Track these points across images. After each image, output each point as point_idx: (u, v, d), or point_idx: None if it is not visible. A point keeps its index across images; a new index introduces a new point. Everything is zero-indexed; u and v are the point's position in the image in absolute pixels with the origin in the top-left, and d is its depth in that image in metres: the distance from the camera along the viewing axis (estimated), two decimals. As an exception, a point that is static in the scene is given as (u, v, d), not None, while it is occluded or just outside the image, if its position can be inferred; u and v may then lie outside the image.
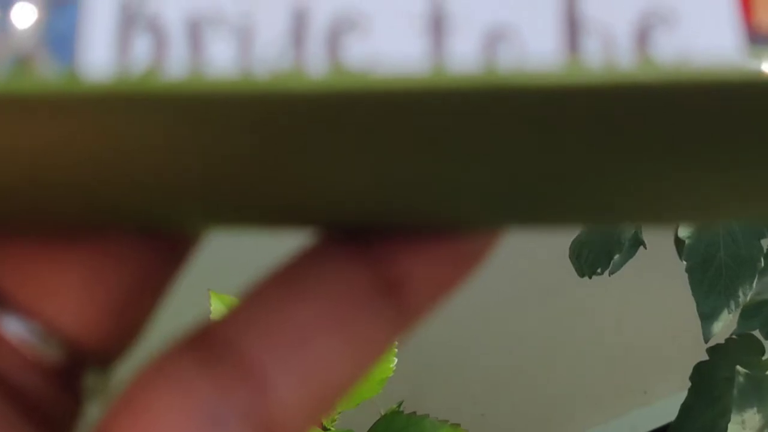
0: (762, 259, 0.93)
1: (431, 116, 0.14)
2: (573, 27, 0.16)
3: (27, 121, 0.15)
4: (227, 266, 0.87)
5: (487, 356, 1.56)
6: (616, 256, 1.07)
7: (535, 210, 0.20)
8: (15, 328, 0.18)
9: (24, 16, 0.17)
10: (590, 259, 1.07)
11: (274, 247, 0.25)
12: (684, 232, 0.96)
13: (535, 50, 0.15)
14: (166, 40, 0.16)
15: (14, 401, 0.18)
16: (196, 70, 0.15)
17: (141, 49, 0.16)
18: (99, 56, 0.16)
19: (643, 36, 0.16)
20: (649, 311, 1.60)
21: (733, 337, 1.03)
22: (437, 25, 0.16)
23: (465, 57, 0.15)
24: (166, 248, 0.19)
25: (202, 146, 0.16)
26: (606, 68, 0.15)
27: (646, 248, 1.05)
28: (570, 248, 1.09)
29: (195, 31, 0.16)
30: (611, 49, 0.15)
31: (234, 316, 0.18)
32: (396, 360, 0.73)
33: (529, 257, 1.44)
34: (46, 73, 0.16)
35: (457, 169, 0.17)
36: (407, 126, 0.15)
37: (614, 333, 1.63)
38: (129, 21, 0.16)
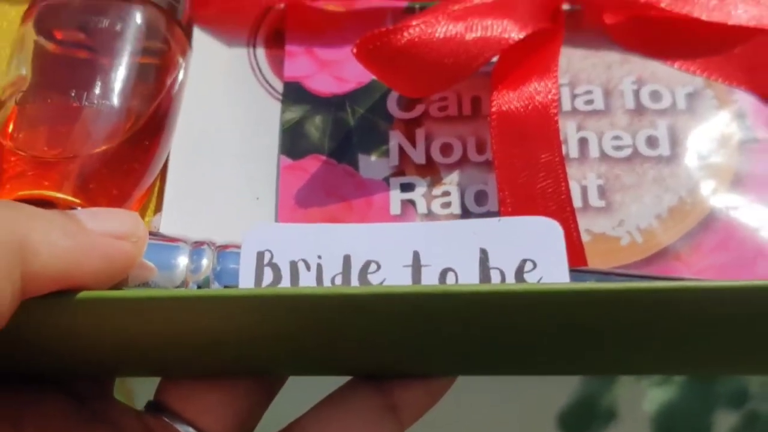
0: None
1: (413, 313, 0.29)
2: (484, 266, 0.30)
3: (206, 316, 0.29)
4: None
5: None
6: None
7: (483, 366, 0.34)
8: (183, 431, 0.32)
9: (206, 260, 0.31)
10: (575, 429, 1.19)
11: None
12: (649, 405, 1.08)
13: (465, 279, 0.30)
14: (280, 272, 0.30)
15: None
16: (295, 288, 0.30)
17: (267, 277, 0.30)
18: (246, 281, 0.30)
19: (520, 271, 0.30)
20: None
21: None
22: (417, 265, 0.30)
23: (430, 282, 0.29)
24: (266, 385, 0.33)
25: (297, 327, 0.30)
26: (501, 286, 0.29)
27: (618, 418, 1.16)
28: (558, 419, 1.20)
29: (294, 267, 0.30)
30: (504, 277, 0.30)
31: (306, 417, 0.32)
32: None
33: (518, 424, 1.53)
34: (233, 290, 0.30)
35: (427, 343, 0.31)
36: (402, 318, 0.29)
37: None
38: (260, 262, 0.31)
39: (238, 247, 0.32)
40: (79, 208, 0.33)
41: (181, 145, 0.37)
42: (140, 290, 0.30)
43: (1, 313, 0.26)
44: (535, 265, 0.31)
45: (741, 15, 0.37)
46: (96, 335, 0.30)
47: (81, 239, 0.28)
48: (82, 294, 0.28)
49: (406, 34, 0.34)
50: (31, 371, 0.32)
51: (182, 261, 0.32)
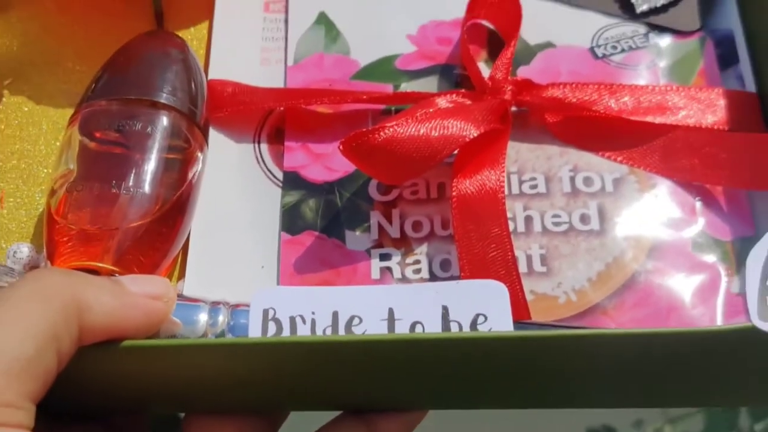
0: None
1: (388, 357, 0.36)
2: (445, 319, 0.37)
3: (221, 360, 0.36)
4: None
5: None
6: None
7: (448, 401, 0.41)
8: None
9: (222, 317, 0.39)
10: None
11: None
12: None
13: (430, 330, 0.37)
14: (281, 325, 0.38)
15: None
16: (293, 336, 0.37)
17: (271, 330, 0.37)
18: (254, 333, 0.37)
19: (474, 323, 0.37)
20: None
21: None
22: (391, 319, 0.38)
23: (402, 330, 0.37)
24: (271, 420, 0.40)
25: (294, 370, 0.37)
26: (458, 334, 0.36)
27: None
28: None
29: (292, 322, 0.38)
30: (461, 328, 0.37)
31: None
32: None
33: None
34: (244, 339, 0.37)
35: (401, 381, 0.38)
36: (380, 361, 0.36)
37: None
38: (266, 318, 0.38)
39: (248, 306, 0.39)
40: (118, 275, 0.41)
41: (200, 223, 0.44)
42: (170, 340, 0.37)
43: (62, 358, 0.33)
44: (486, 319, 0.38)
45: (655, 117, 0.45)
46: (133, 377, 0.37)
47: (125, 300, 0.35)
48: (125, 343, 0.35)
49: (382, 133, 0.41)
50: (80, 410, 0.39)
51: (203, 317, 0.39)
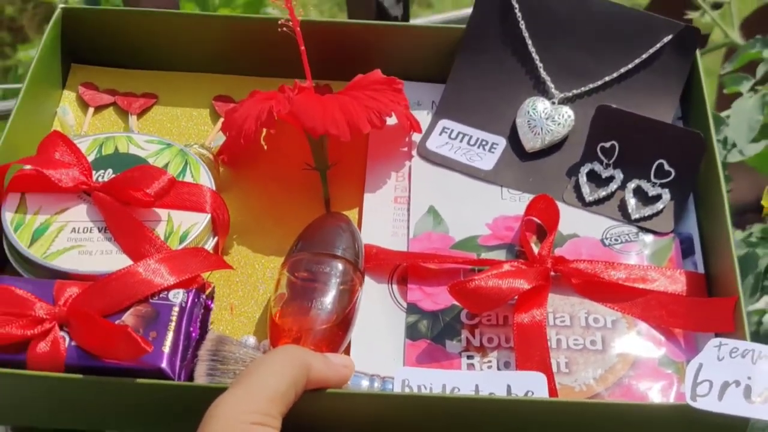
0: None
1: (475, 409, 0.61)
2: (509, 392, 0.63)
3: (379, 405, 0.62)
4: None
5: None
6: None
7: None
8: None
9: (377, 383, 0.64)
10: None
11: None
12: None
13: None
14: (412, 390, 0.63)
15: None
16: (420, 392, 0.63)
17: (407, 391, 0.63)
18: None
19: (525, 395, 0.63)
20: None
21: None
22: (477, 391, 0.63)
23: (483, 395, 0.63)
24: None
25: (421, 412, 0.62)
26: (516, 398, 0.62)
27: None
28: None
29: (419, 388, 0.63)
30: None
31: None
32: None
33: None
34: (382, 392, 0.63)
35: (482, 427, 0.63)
36: (469, 413, 0.61)
37: None
38: (403, 385, 0.63)
39: (392, 378, 0.65)
40: (312, 357, 0.67)
41: (358, 330, 0.70)
42: (350, 389, 0.63)
43: (297, 396, 0.59)
44: (533, 393, 0.63)
45: (639, 284, 0.71)
46: (325, 413, 0.63)
47: (330, 366, 0.61)
48: (328, 391, 0.61)
49: (472, 283, 0.68)
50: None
51: (365, 383, 0.65)
